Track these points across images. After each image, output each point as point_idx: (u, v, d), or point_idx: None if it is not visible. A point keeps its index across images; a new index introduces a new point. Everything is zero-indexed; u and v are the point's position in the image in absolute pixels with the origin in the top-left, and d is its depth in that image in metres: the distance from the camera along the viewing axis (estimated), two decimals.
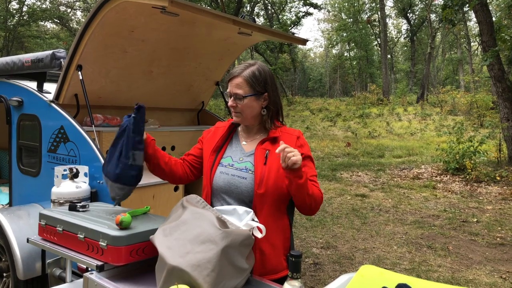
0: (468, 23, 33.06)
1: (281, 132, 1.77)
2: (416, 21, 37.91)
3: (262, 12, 35.50)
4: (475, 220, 5.95)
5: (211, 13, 2.54)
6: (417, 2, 36.60)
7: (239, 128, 1.87)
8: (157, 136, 3.61)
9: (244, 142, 1.81)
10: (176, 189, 3.20)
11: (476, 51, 37.46)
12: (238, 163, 1.73)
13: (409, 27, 38.20)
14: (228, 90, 1.76)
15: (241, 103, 1.71)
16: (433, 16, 32.48)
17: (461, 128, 9.26)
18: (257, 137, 1.80)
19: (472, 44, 34.67)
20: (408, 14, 37.24)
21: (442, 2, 10.37)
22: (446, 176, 8.76)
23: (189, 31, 3.07)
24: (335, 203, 6.87)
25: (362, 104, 25.97)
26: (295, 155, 1.46)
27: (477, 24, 10.01)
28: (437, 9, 30.18)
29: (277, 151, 1.48)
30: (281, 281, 1.41)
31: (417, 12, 37.89)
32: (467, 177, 8.34)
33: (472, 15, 27.62)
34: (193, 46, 3.34)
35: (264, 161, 1.68)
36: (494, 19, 10.32)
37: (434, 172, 9.22)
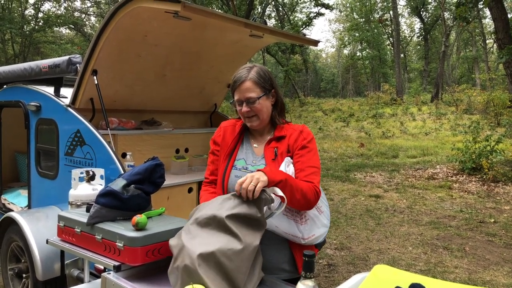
0: (483, 20, 32.44)
1: (287, 129, 1.77)
2: (429, 19, 37.42)
3: (273, 14, 35.51)
4: (492, 220, 5.84)
5: (222, 16, 2.57)
6: (430, 0, 36.13)
7: (249, 130, 1.86)
8: (170, 138, 3.65)
9: (255, 145, 1.82)
10: (190, 190, 3.23)
11: (491, 49, 36.76)
12: (252, 166, 1.74)
13: (422, 26, 37.72)
14: (236, 98, 1.72)
15: (256, 106, 1.70)
16: (447, 14, 31.98)
17: (477, 127, 9.09)
18: (266, 138, 1.80)
19: (487, 41, 34.04)
20: (421, 13, 36.79)
21: (456, 0, 10.24)
22: (462, 176, 8.62)
23: (201, 35, 3.10)
24: (348, 204, 6.83)
25: (376, 104, 25.72)
26: (251, 182, 1.42)
27: (492, 21, 9.84)
28: (451, 6, 29.70)
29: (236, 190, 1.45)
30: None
31: (431, 10, 37.40)
32: (484, 177, 8.18)
33: (487, 12, 27.14)
34: (205, 49, 3.37)
35: (273, 158, 1.70)
36: (510, 15, 10.13)
37: (449, 172, 9.08)
